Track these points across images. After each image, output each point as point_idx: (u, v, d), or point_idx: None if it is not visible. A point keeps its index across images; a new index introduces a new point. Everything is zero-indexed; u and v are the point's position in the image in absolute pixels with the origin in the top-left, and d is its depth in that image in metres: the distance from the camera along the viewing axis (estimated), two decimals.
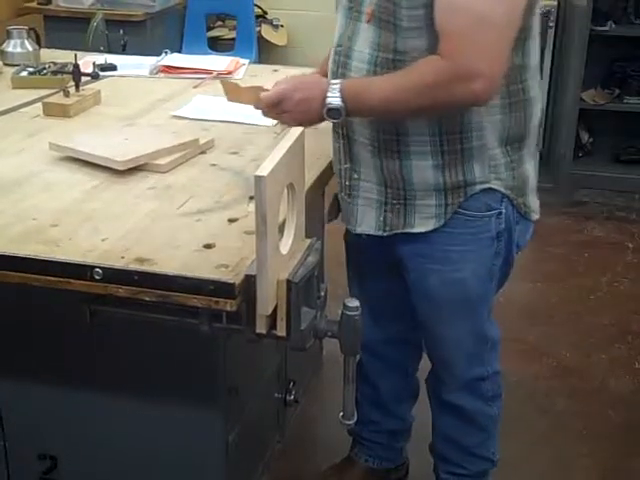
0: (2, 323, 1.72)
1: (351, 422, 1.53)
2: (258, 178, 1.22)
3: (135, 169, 1.74)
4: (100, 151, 1.76)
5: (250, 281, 1.29)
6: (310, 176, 1.67)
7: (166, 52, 2.72)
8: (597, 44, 3.97)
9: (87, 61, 2.47)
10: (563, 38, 4.18)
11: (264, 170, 1.22)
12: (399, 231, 1.66)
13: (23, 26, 2.73)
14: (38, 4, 4.25)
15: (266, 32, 4.68)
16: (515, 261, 1.77)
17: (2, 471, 1.86)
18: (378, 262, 1.82)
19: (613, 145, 4.40)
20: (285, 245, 1.36)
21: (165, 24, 4.38)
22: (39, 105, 2.17)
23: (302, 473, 2.25)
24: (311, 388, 2.57)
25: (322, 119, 1.55)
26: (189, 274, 1.31)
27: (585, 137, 4.41)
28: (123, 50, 3.58)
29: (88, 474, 1.83)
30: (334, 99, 1.52)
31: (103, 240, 1.42)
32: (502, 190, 1.63)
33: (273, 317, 1.33)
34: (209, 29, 4.74)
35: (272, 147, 1.36)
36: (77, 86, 2.21)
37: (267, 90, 1.63)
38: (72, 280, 1.35)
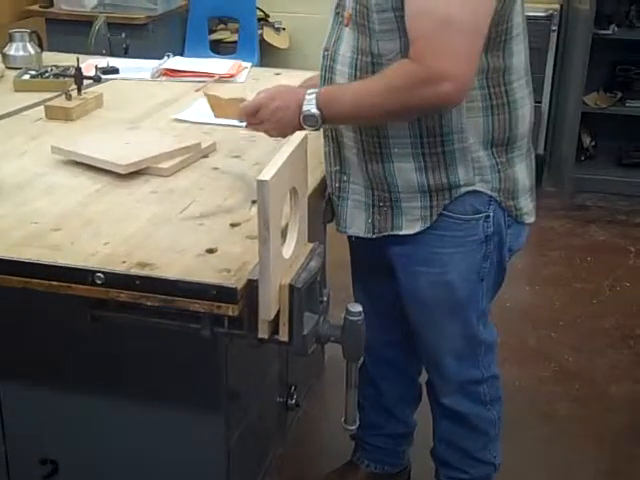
0: (3, 327, 1.72)
1: (353, 427, 1.53)
2: (261, 182, 1.21)
3: (137, 173, 1.74)
4: (102, 155, 1.76)
5: (252, 286, 1.29)
6: (312, 180, 1.67)
7: (168, 55, 2.72)
8: (600, 48, 3.97)
9: (89, 64, 2.47)
10: (566, 42, 4.17)
11: (267, 174, 1.22)
12: (387, 233, 1.67)
13: (25, 29, 2.73)
14: (40, 7, 4.25)
15: (268, 35, 4.68)
16: (516, 264, 1.76)
17: (3, 476, 1.85)
18: (375, 263, 1.82)
19: (615, 149, 4.40)
20: (288, 250, 1.36)
21: (167, 27, 4.38)
22: (41, 108, 2.17)
23: (304, 477, 2.25)
24: (313, 392, 2.56)
25: (300, 127, 1.55)
26: (191, 279, 1.31)
27: (587, 141, 4.41)
28: (125, 53, 3.57)
29: (89, 478, 1.82)
30: (309, 106, 1.54)
31: (105, 244, 1.42)
32: (488, 193, 1.62)
33: (275, 322, 1.33)
34: (211, 32, 4.74)
35: (274, 151, 1.36)
36: (79, 89, 2.21)
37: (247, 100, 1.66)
38: (74, 285, 1.34)
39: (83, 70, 2.25)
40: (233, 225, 1.52)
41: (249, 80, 2.58)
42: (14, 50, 2.64)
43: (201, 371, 1.67)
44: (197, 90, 2.44)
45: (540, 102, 4.12)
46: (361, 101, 1.52)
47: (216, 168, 1.80)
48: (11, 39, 2.65)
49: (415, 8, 1.44)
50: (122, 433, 1.75)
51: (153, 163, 1.76)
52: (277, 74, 2.60)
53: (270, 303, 1.29)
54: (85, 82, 2.25)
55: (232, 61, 2.76)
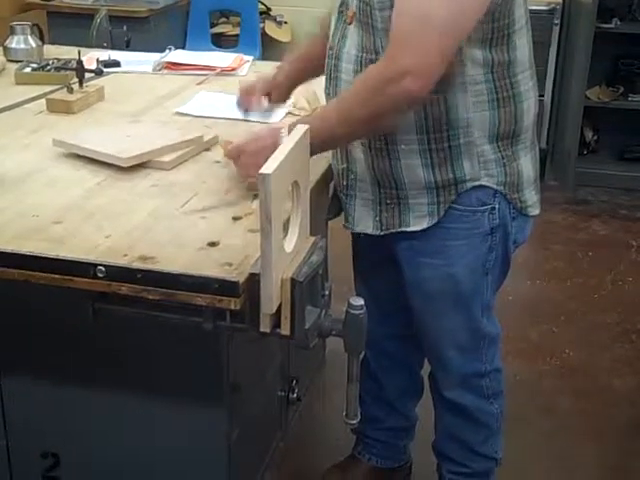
0: (4, 321, 1.72)
1: (354, 421, 1.53)
2: (263, 176, 1.21)
3: (139, 166, 1.73)
4: (104, 148, 1.76)
5: (254, 279, 1.29)
6: (314, 174, 1.67)
7: (170, 48, 2.72)
8: (602, 41, 3.96)
9: (91, 57, 2.46)
10: (568, 35, 4.16)
11: (269, 168, 1.22)
12: (395, 230, 1.67)
13: (26, 22, 2.72)
14: (41, 0, 4.24)
15: (270, 28, 4.67)
16: (518, 259, 1.76)
17: (5, 469, 1.86)
18: (379, 258, 1.83)
19: (618, 143, 4.40)
20: (289, 243, 1.36)
21: (169, 20, 4.37)
22: (43, 101, 2.17)
23: (305, 471, 2.25)
24: (314, 386, 2.56)
25: None
26: (193, 272, 1.30)
27: (590, 135, 4.40)
28: (127, 46, 3.56)
29: (90, 472, 1.82)
30: None
31: (106, 237, 1.42)
32: (494, 186, 1.63)
33: (277, 316, 1.33)
34: (213, 25, 4.73)
35: None
36: (81, 82, 2.21)
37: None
38: (75, 278, 1.34)
39: (85, 63, 2.24)
40: (235, 219, 1.52)
41: (251, 74, 2.57)
42: (15, 43, 2.63)
43: (203, 365, 1.67)
44: (199, 83, 2.44)
45: (543, 96, 4.12)
46: (341, 112, 1.53)
47: (218, 161, 1.79)
48: (12, 32, 2.64)
49: (397, 8, 1.46)
50: (123, 427, 1.75)
51: (155, 156, 1.76)
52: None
53: (272, 297, 1.29)
54: (87, 75, 2.24)
55: (234, 54, 2.76)
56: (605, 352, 2.83)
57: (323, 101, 1.79)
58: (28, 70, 2.43)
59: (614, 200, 4.12)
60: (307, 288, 1.33)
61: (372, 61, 1.55)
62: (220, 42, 4.65)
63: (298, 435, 2.36)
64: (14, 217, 1.50)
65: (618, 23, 4.04)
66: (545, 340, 2.89)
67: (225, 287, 1.29)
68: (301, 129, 1.39)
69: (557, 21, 4.08)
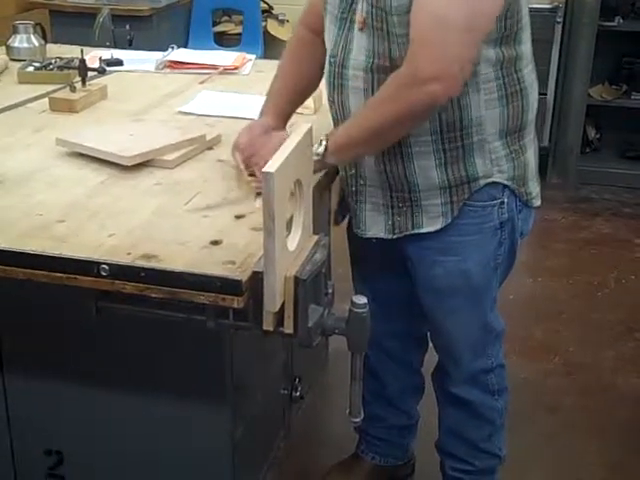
0: (8, 320, 1.72)
1: (358, 419, 1.53)
2: (266, 174, 1.21)
3: (142, 165, 1.73)
4: (107, 147, 1.76)
5: (257, 278, 1.28)
6: None
7: (172, 47, 2.72)
8: (605, 39, 3.95)
9: (93, 56, 2.46)
10: (571, 33, 4.15)
11: (272, 166, 1.22)
12: (408, 233, 1.67)
13: (29, 21, 2.72)
14: None
15: (272, 27, 4.67)
16: (520, 257, 1.77)
17: (9, 467, 1.86)
18: (385, 260, 1.83)
19: (620, 141, 4.39)
20: (292, 242, 1.36)
21: (171, 19, 4.37)
22: (45, 100, 2.17)
23: (308, 470, 2.25)
24: (317, 384, 2.56)
25: None
26: (196, 271, 1.30)
27: (592, 133, 4.39)
28: (129, 45, 3.57)
29: (94, 469, 1.82)
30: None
31: (110, 236, 1.42)
32: (504, 182, 1.63)
33: (280, 314, 1.33)
34: (215, 24, 4.73)
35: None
36: (83, 81, 2.21)
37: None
38: (79, 276, 1.34)
39: (87, 62, 2.24)
40: (238, 217, 1.52)
41: (253, 72, 2.57)
42: (18, 42, 2.63)
43: (206, 363, 1.67)
44: (201, 82, 2.44)
45: (545, 94, 4.11)
46: (368, 120, 1.53)
47: (221, 160, 1.79)
48: (15, 31, 2.64)
49: (415, 9, 1.45)
50: (127, 425, 1.75)
51: (157, 155, 1.76)
52: None
53: (275, 295, 1.29)
54: (89, 74, 2.24)
55: (236, 53, 2.75)
56: (609, 350, 2.82)
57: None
58: (31, 69, 2.43)
59: (617, 198, 4.11)
60: (310, 286, 1.33)
61: (385, 67, 1.53)
62: (222, 41, 4.65)
63: (301, 433, 2.36)
64: (18, 216, 1.50)
65: (621, 21, 4.03)
66: (549, 339, 2.89)
67: (228, 285, 1.28)
68: (303, 128, 1.39)
69: (560, 19, 4.07)
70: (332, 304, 1.47)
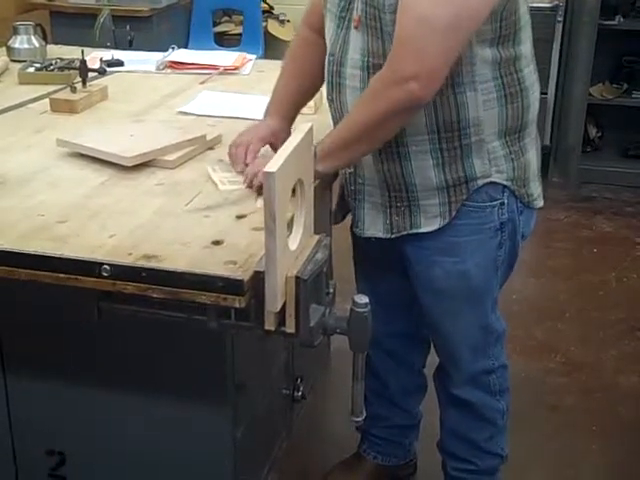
0: (9, 320, 1.72)
1: (360, 419, 1.53)
2: (267, 174, 1.21)
3: (143, 165, 1.73)
4: (107, 147, 1.76)
5: (259, 277, 1.28)
6: None
7: (173, 48, 2.72)
8: (605, 38, 3.95)
9: (94, 57, 2.46)
10: (571, 32, 4.15)
11: (273, 166, 1.22)
12: (406, 232, 1.67)
13: (30, 22, 2.72)
14: (45, 0, 4.24)
15: (272, 27, 4.67)
16: (522, 256, 1.77)
17: (11, 467, 1.86)
18: (385, 260, 1.83)
19: (621, 140, 4.39)
20: (294, 241, 1.36)
21: (172, 20, 4.38)
22: (46, 101, 2.17)
23: (310, 469, 2.25)
24: (319, 384, 2.56)
25: None
26: (197, 271, 1.30)
27: (593, 132, 4.39)
28: (130, 46, 3.58)
29: (96, 470, 1.82)
30: None
31: (111, 237, 1.42)
32: (503, 182, 1.63)
33: (282, 314, 1.33)
34: (215, 24, 4.74)
35: None
36: (84, 82, 2.21)
37: None
38: (80, 277, 1.34)
39: (88, 63, 2.24)
40: (239, 217, 1.52)
41: (254, 72, 2.57)
42: (19, 43, 2.64)
43: (208, 363, 1.67)
44: (202, 82, 2.44)
45: (546, 93, 4.11)
46: (355, 120, 1.54)
47: (222, 160, 1.79)
48: (16, 32, 2.65)
49: (401, 10, 1.45)
50: (129, 425, 1.75)
51: (158, 155, 1.76)
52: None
53: (277, 295, 1.29)
54: (90, 75, 2.24)
55: (237, 53, 2.75)
56: (610, 349, 2.82)
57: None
58: (31, 70, 2.43)
59: (618, 197, 4.11)
60: (312, 286, 1.33)
61: (379, 66, 1.53)
62: (223, 41, 4.65)
63: (303, 433, 2.36)
64: (19, 217, 1.50)
65: (621, 20, 4.03)
66: (550, 338, 2.88)
67: (230, 285, 1.28)
68: (304, 127, 1.39)
69: (560, 18, 4.07)
70: (333, 304, 1.47)
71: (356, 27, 1.57)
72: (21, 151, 1.84)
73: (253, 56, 2.74)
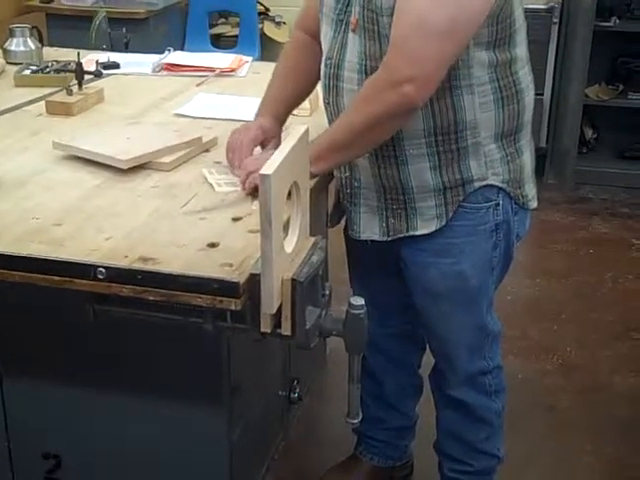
0: (6, 323, 1.72)
1: (356, 421, 1.53)
2: (263, 176, 1.21)
3: (138, 168, 1.73)
4: (103, 150, 1.76)
5: (254, 280, 1.29)
6: None
7: (169, 50, 2.72)
8: (601, 40, 3.95)
9: (90, 59, 2.46)
10: (567, 34, 4.16)
11: (269, 168, 1.22)
12: (403, 235, 1.67)
13: (26, 24, 2.72)
14: (41, 2, 4.24)
15: (268, 29, 4.67)
16: (517, 257, 1.77)
17: (7, 470, 1.86)
18: (380, 262, 1.83)
19: (617, 141, 4.39)
20: (290, 244, 1.36)
21: (168, 22, 4.37)
22: (42, 104, 2.17)
23: (306, 471, 2.25)
24: (315, 386, 2.56)
25: None
26: (193, 273, 1.31)
27: (589, 133, 4.40)
28: (126, 48, 3.57)
29: (91, 473, 1.83)
30: None
31: (107, 239, 1.42)
32: (499, 185, 1.64)
33: (278, 316, 1.33)
34: (212, 26, 4.73)
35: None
36: (80, 84, 2.21)
37: None
38: (76, 279, 1.34)
39: (84, 65, 2.24)
40: (235, 219, 1.52)
41: (250, 74, 2.58)
42: (15, 45, 2.63)
43: (204, 366, 1.67)
44: (198, 84, 2.44)
45: (542, 95, 4.12)
46: (343, 125, 1.54)
47: (218, 162, 1.79)
48: (12, 34, 2.64)
49: (398, 13, 1.46)
50: (124, 428, 1.75)
51: (154, 158, 1.76)
52: None
53: (272, 297, 1.29)
54: (86, 77, 2.24)
55: (233, 55, 2.76)
56: (606, 350, 2.83)
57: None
58: (27, 72, 2.43)
59: (614, 198, 4.12)
60: (308, 288, 1.33)
61: (377, 69, 1.53)
62: (219, 43, 4.65)
63: (299, 435, 2.36)
64: (14, 220, 1.50)
65: (617, 21, 4.04)
66: (546, 339, 2.89)
67: (226, 288, 1.29)
68: (300, 129, 1.39)
69: (556, 20, 4.07)
70: (329, 306, 1.47)
71: (354, 30, 1.57)
72: (17, 154, 1.84)
73: (249, 58, 2.74)
